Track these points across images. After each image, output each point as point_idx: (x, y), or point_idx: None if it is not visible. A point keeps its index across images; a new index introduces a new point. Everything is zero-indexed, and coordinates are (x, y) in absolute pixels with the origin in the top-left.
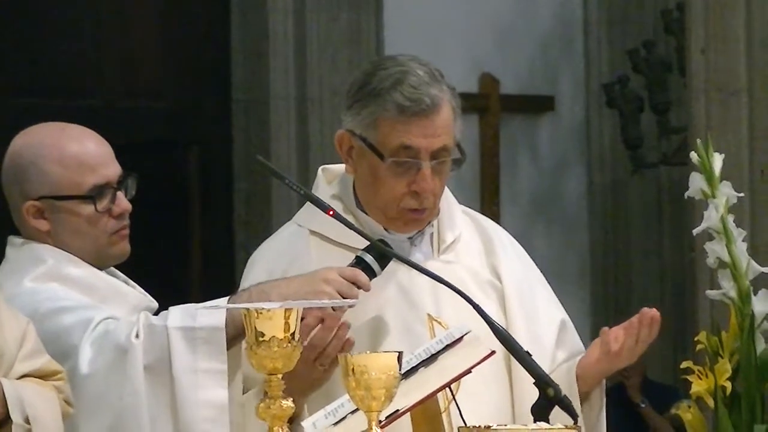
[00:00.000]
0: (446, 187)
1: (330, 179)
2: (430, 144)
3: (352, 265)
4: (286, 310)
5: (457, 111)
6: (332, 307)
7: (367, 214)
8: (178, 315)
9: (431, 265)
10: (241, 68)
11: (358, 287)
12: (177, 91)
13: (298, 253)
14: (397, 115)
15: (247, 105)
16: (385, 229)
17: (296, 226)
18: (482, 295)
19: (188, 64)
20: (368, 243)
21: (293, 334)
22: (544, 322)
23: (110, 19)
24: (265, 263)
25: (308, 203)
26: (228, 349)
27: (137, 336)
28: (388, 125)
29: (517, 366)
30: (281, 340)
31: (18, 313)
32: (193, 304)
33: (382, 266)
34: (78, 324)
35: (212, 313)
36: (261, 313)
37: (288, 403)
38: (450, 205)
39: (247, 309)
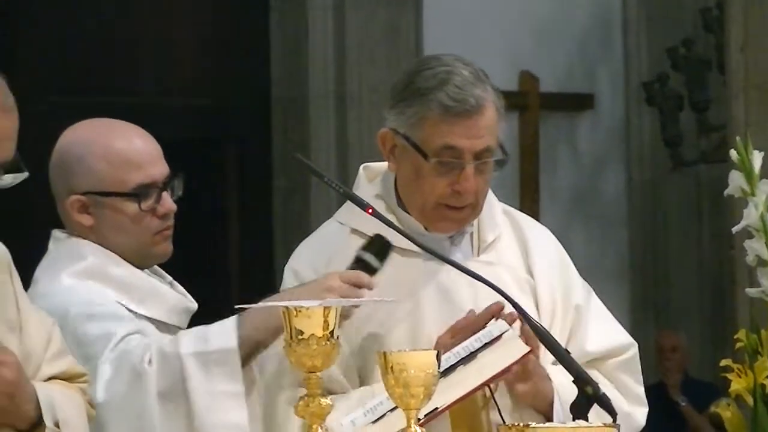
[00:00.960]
0: (489, 190)
1: (371, 177)
2: (473, 145)
3: (351, 267)
4: (324, 308)
5: (500, 112)
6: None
7: (407, 213)
8: (190, 340)
9: (470, 265)
10: (280, 66)
11: (362, 287)
12: (216, 88)
13: (338, 251)
14: (442, 115)
15: (286, 102)
16: (426, 229)
17: (337, 224)
18: (520, 293)
19: (227, 62)
20: (370, 239)
21: (332, 332)
22: (560, 316)
23: (150, 19)
24: (307, 259)
25: (348, 201)
26: (243, 367)
27: (150, 362)
28: (432, 125)
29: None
30: (320, 338)
31: (44, 314)
32: (203, 326)
33: (382, 261)
34: (102, 337)
35: (224, 334)
36: (300, 311)
37: (327, 401)
38: (491, 205)
39: (286, 307)
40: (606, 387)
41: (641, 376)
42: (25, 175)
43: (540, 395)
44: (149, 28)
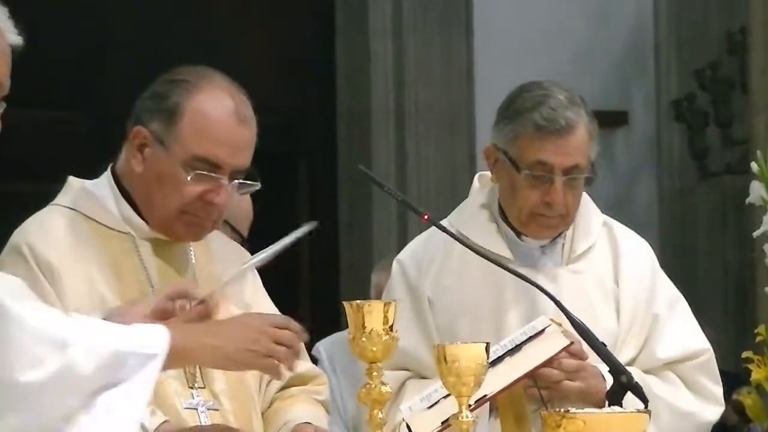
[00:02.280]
0: (588, 199)
1: (483, 185)
2: (563, 161)
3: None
4: (385, 304)
5: (593, 134)
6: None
7: (505, 221)
8: None
9: (559, 273)
10: (345, 85)
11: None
12: (287, 107)
13: (441, 250)
14: (534, 133)
15: (351, 119)
16: (518, 237)
17: (448, 225)
18: (603, 300)
19: (298, 83)
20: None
21: (391, 326)
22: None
23: (226, 42)
24: (412, 256)
25: (461, 205)
26: None
27: None
28: (526, 141)
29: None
30: (380, 332)
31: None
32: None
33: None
34: None
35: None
36: (363, 307)
37: (386, 389)
38: (589, 217)
39: (350, 304)
40: (676, 386)
41: (719, 377)
42: (257, 185)
43: (592, 392)
44: (226, 51)
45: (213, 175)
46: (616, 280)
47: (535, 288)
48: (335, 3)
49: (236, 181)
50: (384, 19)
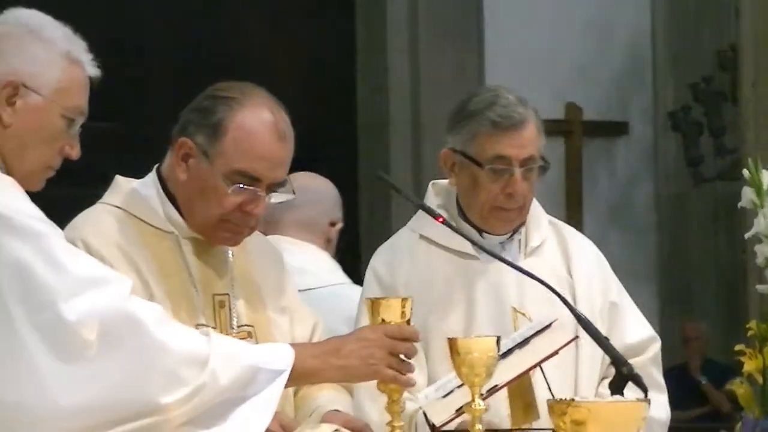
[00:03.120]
0: (535, 200)
1: (437, 192)
2: (519, 153)
3: None
4: (402, 299)
5: (540, 128)
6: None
7: (465, 221)
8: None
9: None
10: (365, 98)
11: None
12: (311, 117)
13: (407, 253)
14: (492, 130)
15: (370, 129)
16: (480, 234)
17: (409, 231)
18: (561, 291)
19: (321, 95)
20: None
21: (408, 320)
22: (599, 311)
23: (256, 57)
24: (383, 259)
25: (419, 212)
26: None
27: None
28: (484, 139)
29: (583, 351)
30: (398, 321)
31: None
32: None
33: None
34: None
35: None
36: (382, 302)
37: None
38: (538, 215)
39: (369, 300)
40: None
41: (661, 364)
42: (291, 196)
43: None
44: (254, 65)
45: (252, 188)
46: (569, 271)
47: (500, 282)
48: (356, 22)
49: (273, 192)
50: (401, 38)
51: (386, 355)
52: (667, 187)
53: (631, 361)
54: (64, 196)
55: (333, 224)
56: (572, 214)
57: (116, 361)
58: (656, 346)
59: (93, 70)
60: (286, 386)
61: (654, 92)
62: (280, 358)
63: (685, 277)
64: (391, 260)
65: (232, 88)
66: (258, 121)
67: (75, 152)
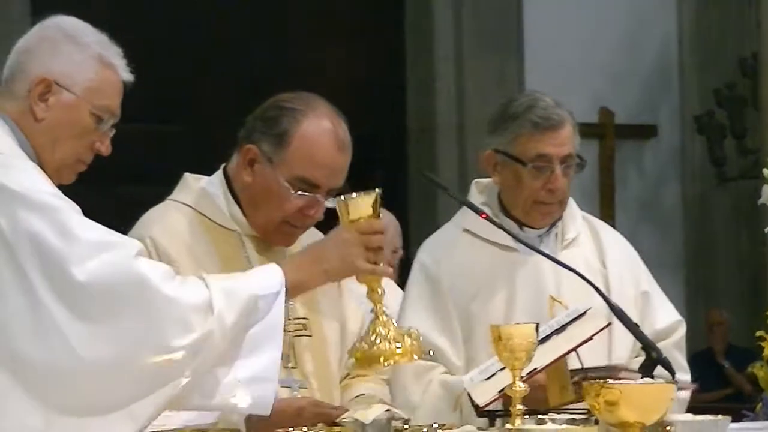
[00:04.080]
0: (571, 198)
1: (480, 190)
2: (559, 151)
3: None
4: (372, 195)
5: (575, 128)
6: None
7: (506, 216)
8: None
9: (556, 257)
10: (414, 104)
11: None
12: (364, 122)
13: (451, 245)
14: (533, 131)
15: (419, 133)
16: (521, 227)
17: (453, 226)
18: (593, 279)
19: (373, 101)
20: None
21: (378, 214)
22: (632, 299)
23: (311, 65)
24: (429, 250)
25: (463, 208)
26: None
27: None
28: (525, 139)
29: (615, 336)
30: (369, 216)
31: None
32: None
33: None
34: None
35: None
36: (352, 200)
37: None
38: (573, 211)
39: (340, 198)
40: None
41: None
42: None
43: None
44: (311, 73)
45: (312, 194)
46: (602, 262)
47: (538, 272)
48: (405, 33)
49: (331, 197)
50: (447, 47)
51: (362, 250)
52: (693, 185)
53: (659, 344)
54: (133, 195)
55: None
56: (605, 210)
57: (127, 316)
58: (682, 329)
59: (126, 75)
60: (286, 300)
61: (681, 97)
62: (273, 280)
63: (710, 269)
64: (437, 253)
65: (296, 99)
66: (319, 132)
67: (105, 148)
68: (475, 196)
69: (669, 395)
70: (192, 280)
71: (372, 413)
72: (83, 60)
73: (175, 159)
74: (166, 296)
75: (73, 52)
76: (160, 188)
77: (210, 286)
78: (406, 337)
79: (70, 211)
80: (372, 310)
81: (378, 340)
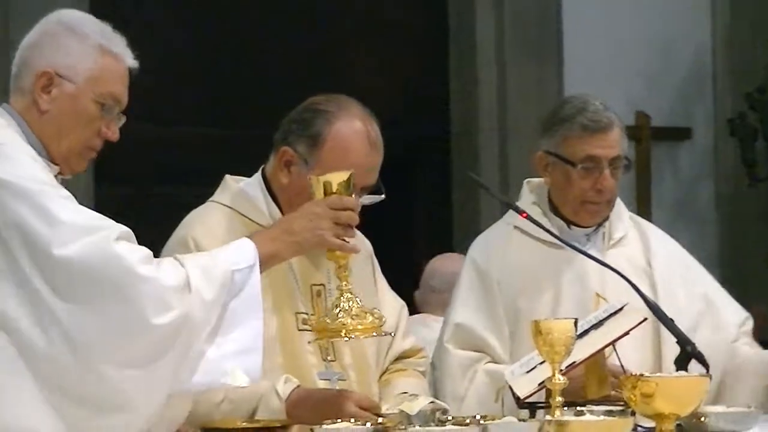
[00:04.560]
0: (619, 199)
1: (531, 189)
2: (607, 153)
3: None
4: (346, 174)
5: (623, 131)
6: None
7: (555, 215)
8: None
9: (602, 256)
10: (457, 106)
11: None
12: (409, 125)
13: (500, 239)
14: (582, 133)
15: (462, 135)
16: (569, 226)
17: (504, 224)
18: (638, 279)
19: (418, 106)
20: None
21: (351, 193)
22: (683, 299)
23: (360, 75)
24: (479, 247)
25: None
26: None
27: None
28: (575, 141)
29: (664, 332)
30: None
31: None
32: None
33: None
34: None
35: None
36: (326, 177)
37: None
38: (620, 210)
39: (314, 177)
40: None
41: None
42: (382, 197)
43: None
44: (359, 78)
45: None
46: (648, 263)
47: (584, 270)
48: (449, 40)
49: (365, 195)
50: (489, 52)
51: (332, 225)
52: (726, 185)
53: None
54: (187, 196)
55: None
56: (642, 209)
57: (108, 297)
58: (749, 324)
59: (131, 62)
60: (261, 271)
61: (714, 101)
62: (246, 254)
63: (742, 264)
64: (487, 249)
65: (328, 102)
66: (351, 132)
67: (112, 133)
68: (526, 194)
69: (703, 388)
70: (168, 261)
71: (417, 405)
72: (83, 50)
73: (230, 161)
74: (143, 277)
75: (73, 44)
76: (211, 190)
77: (185, 265)
78: (368, 314)
79: (55, 196)
80: (337, 287)
81: (341, 315)
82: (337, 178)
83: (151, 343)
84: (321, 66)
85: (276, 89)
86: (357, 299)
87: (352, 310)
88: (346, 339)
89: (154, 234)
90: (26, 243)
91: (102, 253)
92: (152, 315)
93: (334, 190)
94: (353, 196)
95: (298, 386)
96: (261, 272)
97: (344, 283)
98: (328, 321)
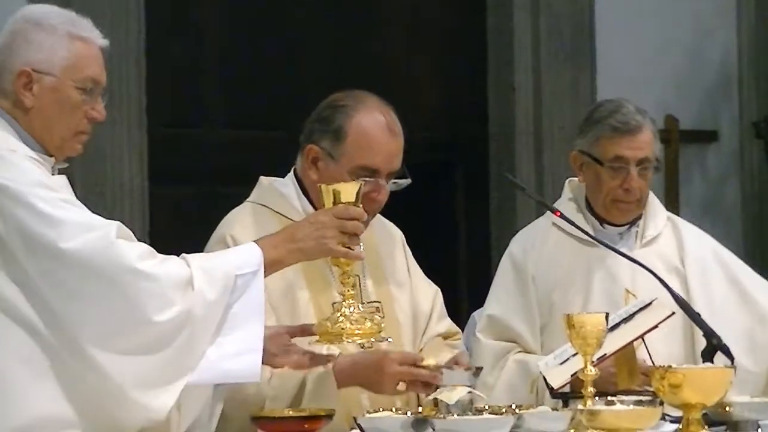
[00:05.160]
0: (655, 198)
1: (572, 188)
2: (635, 154)
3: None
4: (355, 184)
5: (655, 134)
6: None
7: (590, 213)
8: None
9: (634, 254)
10: (495, 111)
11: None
12: (449, 127)
13: (540, 236)
14: (612, 134)
15: (499, 137)
16: (602, 224)
17: (545, 219)
18: (669, 276)
19: (458, 109)
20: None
21: (358, 202)
22: (720, 296)
23: (404, 77)
24: (520, 243)
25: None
26: None
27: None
28: (605, 141)
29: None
30: (353, 202)
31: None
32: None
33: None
34: None
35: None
36: (336, 187)
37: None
38: (656, 209)
39: (324, 186)
40: None
41: None
42: (408, 181)
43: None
44: (401, 80)
45: (374, 179)
46: (682, 261)
47: (616, 267)
48: (488, 47)
49: (392, 180)
50: (526, 59)
51: (337, 233)
52: (752, 185)
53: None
54: (236, 195)
55: None
56: (671, 208)
57: (109, 293)
58: None
59: (102, 42)
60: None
61: (740, 105)
62: (251, 258)
63: (766, 261)
64: (526, 244)
65: (346, 97)
66: (372, 123)
67: (98, 114)
68: (566, 192)
69: (728, 378)
70: (174, 259)
71: (456, 395)
72: (54, 42)
73: (280, 163)
74: (144, 273)
75: (44, 38)
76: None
77: (191, 264)
78: (367, 320)
79: (52, 198)
80: (340, 292)
81: (341, 320)
82: (345, 188)
83: (151, 338)
84: (367, 70)
85: (323, 94)
86: (359, 305)
87: (352, 315)
88: (348, 342)
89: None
90: (27, 244)
91: (103, 251)
92: (153, 312)
93: (342, 200)
94: (359, 205)
95: (341, 354)
96: (266, 276)
97: (347, 288)
98: (328, 325)
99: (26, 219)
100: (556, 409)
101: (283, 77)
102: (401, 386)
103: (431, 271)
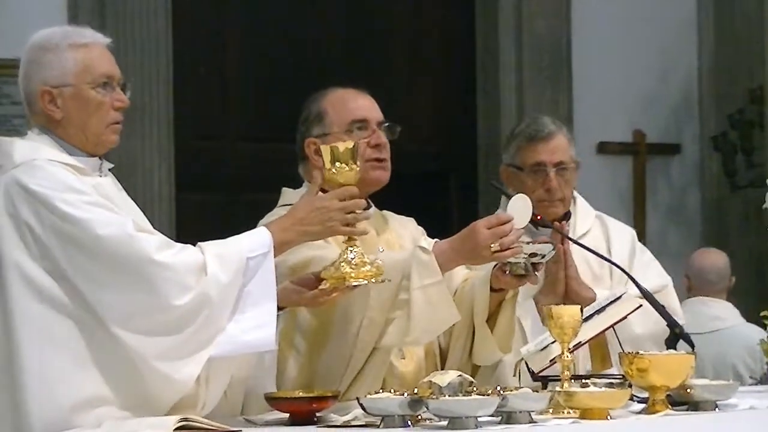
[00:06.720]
0: (583, 199)
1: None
2: (551, 158)
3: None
4: (354, 143)
5: (570, 140)
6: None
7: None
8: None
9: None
10: (483, 124)
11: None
12: (442, 140)
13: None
14: (528, 143)
15: (487, 148)
16: (536, 227)
17: None
18: (600, 267)
19: (449, 123)
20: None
21: (356, 162)
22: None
23: (404, 93)
24: None
25: None
26: None
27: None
28: (524, 151)
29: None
30: (348, 166)
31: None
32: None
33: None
34: None
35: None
36: (335, 146)
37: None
38: (585, 209)
39: (324, 145)
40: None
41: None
42: (398, 127)
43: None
44: (402, 99)
45: (368, 129)
46: (608, 250)
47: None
48: (477, 68)
49: (384, 125)
50: (510, 79)
51: (341, 215)
52: (711, 193)
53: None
54: (256, 203)
55: (730, 280)
56: (638, 215)
57: (135, 282)
58: (667, 289)
59: (103, 40)
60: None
61: (701, 121)
62: (261, 241)
63: None
64: None
65: (314, 94)
66: (340, 91)
67: (121, 102)
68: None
69: (689, 364)
70: (189, 248)
71: (447, 378)
72: (60, 57)
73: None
74: (163, 264)
75: (51, 58)
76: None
77: (205, 252)
78: (367, 263)
79: (77, 201)
80: (344, 241)
81: (343, 265)
82: (342, 145)
83: (172, 319)
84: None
85: None
86: (362, 252)
87: (353, 261)
88: (355, 285)
89: None
90: (64, 244)
91: (124, 244)
92: (173, 297)
93: (341, 155)
94: (357, 166)
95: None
96: (275, 257)
97: (352, 240)
98: (332, 270)
99: (56, 220)
100: (537, 391)
101: (302, 92)
102: (495, 247)
103: None
